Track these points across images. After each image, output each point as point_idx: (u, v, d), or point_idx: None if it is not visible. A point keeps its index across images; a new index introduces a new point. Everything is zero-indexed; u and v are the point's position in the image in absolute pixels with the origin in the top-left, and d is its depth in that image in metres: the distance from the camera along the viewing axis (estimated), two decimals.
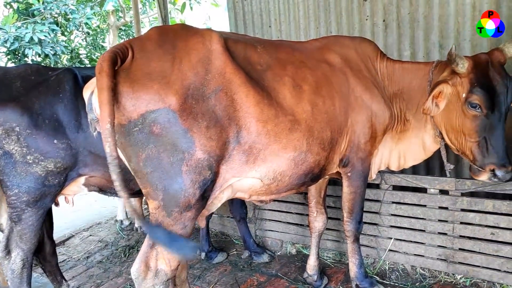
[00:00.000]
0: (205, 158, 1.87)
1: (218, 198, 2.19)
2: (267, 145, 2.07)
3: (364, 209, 2.87)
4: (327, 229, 3.48)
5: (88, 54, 11.71)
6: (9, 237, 2.61)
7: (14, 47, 8.95)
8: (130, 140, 1.83)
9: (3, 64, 9.39)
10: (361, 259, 2.90)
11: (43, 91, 2.40)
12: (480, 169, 2.29)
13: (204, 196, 1.96)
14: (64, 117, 2.40)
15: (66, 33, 10.90)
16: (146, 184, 1.88)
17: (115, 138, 1.71)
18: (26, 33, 8.95)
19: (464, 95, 2.26)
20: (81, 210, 5.72)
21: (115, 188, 1.73)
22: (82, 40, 11.84)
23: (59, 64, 10.03)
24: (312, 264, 3.19)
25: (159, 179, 1.84)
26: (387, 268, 3.34)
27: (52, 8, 9.70)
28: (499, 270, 2.87)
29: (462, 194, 2.98)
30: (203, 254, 3.78)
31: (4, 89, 2.33)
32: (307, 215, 3.20)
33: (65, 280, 3.18)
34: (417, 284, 3.09)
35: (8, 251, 2.59)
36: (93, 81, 1.94)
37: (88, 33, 11.66)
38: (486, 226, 2.90)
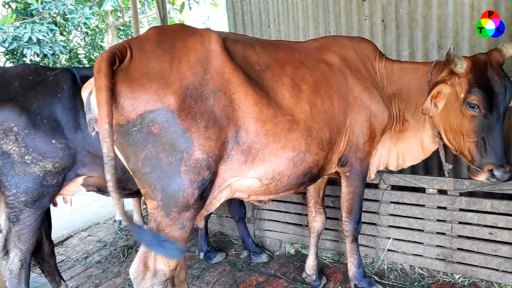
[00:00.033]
0: (204, 158, 1.87)
1: (217, 198, 2.19)
2: (265, 145, 2.07)
3: (363, 209, 2.87)
4: (326, 229, 3.48)
5: (87, 54, 11.69)
6: (7, 238, 2.60)
7: (13, 47, 8.93)
8: (128, 140, 1.82)
9: (1, 64, 9.38)
10: (359, 259, 2.90)
11: (41, 91, 2.39)
12: (478, 169, 2.29)
13: (203, 196, 1.96)
14: (62, 117, 2.40)
15: (64, 33, 10.89)
16: (145, 184, 1.88)
17: (113, 139, 1.71)
18: (25, 33, 8.93)
19: (462, 95, 2.26)
20: (79, 210, 5.71)
21: (108, 189, 1.74)
22: (81, 40, 11.83)
23: (57, 64, 10.02)
24: (310, 264, 3.19)
25: (157, 179, 1.84)
26: (385, 268, 3.34)
27: (50, 8, 9.69)
28: (497, 270, 2.88)
29: (461, 194, 2.98)
30: (201, 254, 3.78)
31: (2, 89, 2.33)
32: (306, 215, 3.20)
33: (64, 280, 3.18)
34: (415, 283, 3.10)
35: (6, 251, 2.58)
36: (91, 81, 1.94)
37: (87, 33, 11.65)
38: (485, 226, 2.91)
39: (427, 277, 3.17)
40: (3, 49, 9.15)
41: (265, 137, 2.05)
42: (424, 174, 3.61)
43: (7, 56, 9.35)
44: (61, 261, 4.05)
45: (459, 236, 3.02)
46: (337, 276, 3.32)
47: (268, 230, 4.01)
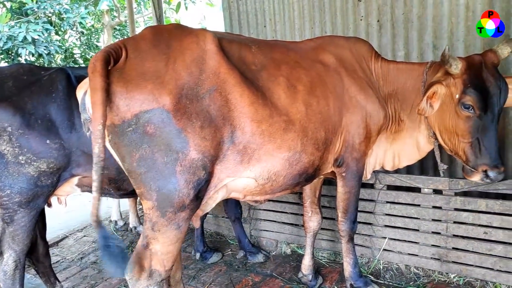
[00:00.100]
0: (199, 158, 1.87)
1: (213, 198, 2.19)
2: (261, 145, 2.07)
3: (359, 209, 2.88)
4: (322, 228, 3.49)
5: (83, 54, 11.65)
6: (1, 238, 2.57)
7: (7, 46, 8.87)
8: (123, 140, 1.82)
9: None
10: (355, 258, 2.91)
11: (36, 91, 2.38)
12: (472, 169, 2.30)
13: (199, 196, 1.95)
14: (57, 117, 2.38)
15: (60, 32, 10.83)
16: (140, 184, 1.88)
17: (105, 140, 1.71)
18: (20, 32, 8.88)
19: (457, 96, 2.27)
20: (75, 211, 5.69)
21: (92, 188, 1.74)
22: (76, 39, 11.77)
23: (53, 64, 9.97)
24: (307, 264, 3.20)
25: (153, 179, 1.83)
26: (381, 268, 3.35)
27: (45, 7, 9.64)
28: (492, 269, 2.90)
29: (456, 194, 3.00)
30: (198, 255, 3.78)
31: None
32: (302, 215, 3.21)
33: (59, 281, 3.16)
34: (411, 283, 3.11)
35: (0, 252, 2.56)
36: (86, 81, 1.93)
37: (83, 33, 11.60)
38: (479, 225, 2.93)
39: (423, 276, 3.18)
40: None
41: (260, 137, 2.05)
42: (420, 174, 3.63)
43: (2, 56, 9.30)
44: (57, 262, 4.03)
45: (454, 235, 3.03)
46: (333, 276, 3.32)
47: (264, 230, 4.01)
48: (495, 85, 2.21)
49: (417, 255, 3.20)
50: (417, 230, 3.17)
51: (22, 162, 2.28)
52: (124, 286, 3.38)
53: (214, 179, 2.03)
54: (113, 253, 1.77)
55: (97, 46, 11.84)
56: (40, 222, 2.87)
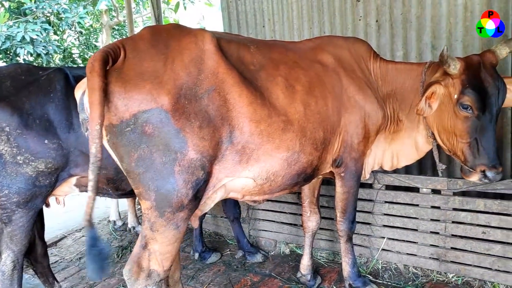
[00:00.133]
0: (198, 158, 1.87)
1: (211, 198, 2.19)
2: (260, 145, 2.07)
3: (357, 209, 2.88)
4: (321, 228, 3.49)
5: (81, 54, 11.63)
6: None
7: (6, 46, 8.85)
8: (122, 140, 1.81)
9: None
10: (354, 258, 2.91)
11: (34, 91, 2.37)
12: (471, 170, 2.30)
13: (197, 196, 1.95)
14: (55, 117, 2.38)
15: (58, 32, 10.81)
16: (139, 185, 1.87)
17: (102, 139, 1.71)
18: (18, 32, 8.86)
19: (455, 96, 2.27)
20: (73, 211, 5.67)
21: (88, 187, 1.75)
22: (75, 39, 11.75)
23: (51, 64, 9.95)
24: (305, 264, 3.20)
25: (151, 179, 1.83)
26: (380, 267, 3.35)
27: (44, 7, 9.62)
28: (490, 269, 2.90)
29: (454, 194, 3.00)
30: (196, 255, 3.78)
31: None
32: (301, 215, 3.21)
33: (57, 281, 3.15)
34: (409, 283, 3.11)
35: None
36: (85, 81, 1.92)
37: (81, 33, 11.58)
38: (478, 225, 2.93)
39: (421, 276, 3.19)
40: None
41: (259, 137, 2.05)
42: (418, 174, 3.63)
43: (0, 56, 9.27)
44: (55, 262, 4.02)
45: (453, 235, 3.04)
46: (332, 276, 3.33)
47: (263, 230, 4.01)
48: (494, 86, 2.21)
49: (415, 255, 3.20)
50: (416, 230, 3.17)
51: (20, 162, 2.27)
52: (123, 286, 3.38)
53: (212, 179, 2.03)
54: (97, 256, 1.77)
55: (95, 46, 11.82)
56: (38, 222, 2.87)
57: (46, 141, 2.33)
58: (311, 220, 3.13)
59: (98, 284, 3.49)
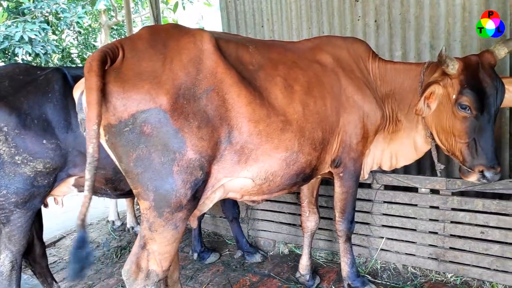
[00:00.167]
0: (197, 158, 1.86)
1: (210, 198, 2.19)
2: (258, 145, 2.07)
3: (356, 209, 2.88)
4: (320, 228, 3.49)
5: (80, 54, 11.62)
6: None
7: (4, 46, 8.84)
8: (120, 140, 1.81)
9: None
10: (353, 258, 2.91)
11: (32, 91, 2.37)
12: (469, 170, 2.31)
13: (196, 196, 1.95)
14: (53, 117, 2.37)
15: (57, 32, 10.80)
16: (137, 185, 1.87)
17: (99, 139, 1.70)
18: (16, 32, 8.85)
19: (454, 96, 2.27)
20: (72, 211, 5.63)
21: (85, 187, 1.75)
22: (74, 39, 11.74)
23: (50, 64, 9.93)
24: (304, 264, 3.20)
25: (150, 179, 1.83)
26: (379, 267, 3.36)
27: (42, 6, 9.60)
28: (488, 269, 2.91)
29: (453, 194, 3.01)
30: (195, 255, 3.77)
31: None
32: (300, 215, 3.21)
33: (56, 281, 3.15)
34: (408, 283, 3.12)
35: None
36: (83, 81, 1.91)
37: (80, 32, 11.57)
38: (476, 225, 2.94)
39: (420, 276, 3.19)
40: None
41: (258, 137, 2.05)
42: (417, 174, 3.64)
43: None
44: (54, 262, 4.01)
45: (451, 235, 3.04)
46: (331, 276, 3.33)
47: (262, 230, 4.01)
48: (492, 86, 2.22)
49: (414, 255, 3.20)
50: (415, 230, 3.18)
51: (18, 162, 2.27)
52: (122, 286, 3.38)
53: (211, 179, 2.03)
54: (81, 259, 1.75)
55: (94, 45, 11.81)
56: (36, 222, 2.86)
57: (44, 141, 2.33)
58: (310, 220, 3.13)
59: (97, 284, 3.49)
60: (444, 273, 3.12)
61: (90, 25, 12.13)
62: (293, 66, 2.32)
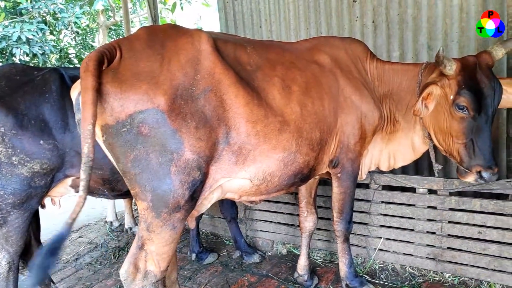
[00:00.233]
0: (194, 159, 1.86)
1: (208, 199, 2.19)
2: (256, 146, 2.07)
3: (354, 209, 2.89)
4: (318, 229, 3.49)
5: (77, 54, 11.60)
6: None
7: (1, 46, 8.82)
8: (118, 141, 1.81)
9: None
10: (351, 258, 2.92)
11: (29, 91, 2.36)
12: (466, 170, 2.31)
13: (194, 197, 1.95)
14: (50, 118, 2.37)
15: (54, 32, 10.78)
16: (135, 185, 1.87)
17: (94, 139, 1.70)
18: (14, 32, 8.83)
19: (451, 97, 2.28)
20: (69, 212, 5.65)
21: (80, 187, 1.74)
22: (71, 39, 11.72)
23: (47, 64, 9.91)
24: (302, 264, 3.20)
25: (147, 180, 1.82)
26: (377, 267, 3.36)
27: (40, 7, 9.58)
28: (486, 268, 2.92)
29: (450, 194, 3.01)
30: (193, 255, 3.77)
31: None
32: (298, 215, 3.21)
33: (53, 282, 3.14)
34: (406, 283, 3.12)
35: None
36: None
37: (77, 33, 11.55)
38: (474, 225, 2.94)
39: (418, 276, 3.20)
40: None
41: (256, 137, 2.05)
42: (415, 174, 3.64)
43: None
44: None
45: (449, 235, 3.05)
46: (329, 276, 3.33)
47: (260, 231, 4.01)
48: (489, 87, 2.22)
49: (412, 255, 3.21)
50: (412, 230, 3.18)
51: (15, 163, 2.26)
52: (120, 287, 3.37)
53: (209, 179, 2.03)
54: (49, 258, 1.71)
55: (92, 46, 11.80)
56: (34, 223, 2.86)
57: (41, 142, 2.32)
58: (308, 221, 3.13)
59: (95, 285, 3.48)
60: (442, 273, 3.12)
61: (88, 25, 12.11)
62: (291, 66, 2.32)
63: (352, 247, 3.11)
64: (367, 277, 3.23)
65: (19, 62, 8.89)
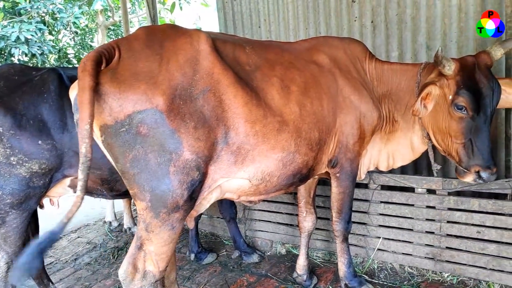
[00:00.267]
0: (193, 159, 1.86)
1: (207, 199, 2.19)
2: (255, 146, 2.07)
3: (353, 209, 2.89)
4: (317, 228, 3.49)
5: (76, 54, 11.58)
6: None
7: (0, 46, 8.79)
8: (117, 141, 1.80)
9: None
10: (350, 258, 2.92)
11: (27, 91, 2.36)
12: (465, 170, 2.32)
13: (192, 197, 1.95)
14: (48, 118, 2.37)
15: (53, 32, 10.77)
16: (134, 185, 1.87)
17: (92, 139, 1.69)
18: (12, 32, 8.81)
19: (450, 97, 2.28)
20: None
21: (77, 187, 1.73)
22: (70, 39, 11.71)
23: (46, 64, 9.90)
24: (301, 264, 3.20)
25: (146, 180, 1.82)
26: (376, 267, 3.36)
27: (39, 7, 9.57)
28: (485, 268, 2.92)
29: (449, 194, 3.02)
30: (192, 255, 3.77)
31: None
32: (297, 215, 3.21)
33: (52, 283, 3.13)
34: (405, 282, 3.12)
35: None
36: None
37: (76, 33, 11.54)
38: (472, 224, 2.95)
39: (417, 275, 3.20)
40: None
41: (254, 137, 2.05)
42: (413, 174, 3.65)
43: None
44: (50, 263, 4.00)
45: (448, 235, 3.05)
46: (328, 276, 3.33)
47: (259, 231, 4.01)
48: (488, 86, 2.22)
49: (411, 255, 3.21)
50: (411, 229, 3.18)
51: (14, 163, 2.26)
52: (119, 287, 3.36)
53: (208, 179, 2.02)
54: (36, 258, 1.67)
55: (91, 46, 11.78)
56: (32, 223, 2.84)
57: (40, 142, 2.32)
58: (307, 220, 3.13)
59: (94, 285, 3.48)
60: (440, 272, 3.13)
61: (87, 26, 12.09)
62: (290, 66, 2.33)
63: (351, 247, 3.12)
64: (366, 276, 3.23)
65: (17, 62, 8.89)
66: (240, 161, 2.07)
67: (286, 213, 3.81)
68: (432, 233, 3.11)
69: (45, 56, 9.79)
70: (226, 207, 3.73)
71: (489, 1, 3.39)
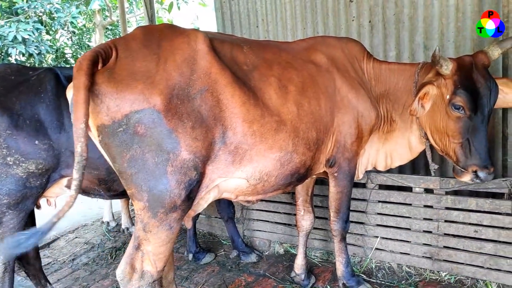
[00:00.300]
0: (191, 159, 1.86)
1: (204, 199, 2.18)
2: (253, 146, 2.07)
3: (351, 208, 2.89)
4: (315, 228, 3.49)
5: (74, 54, 11.55)
6: None
7: None
8: (114, 141, 1.80)
9: None
10: (348, 258, 2.92)
11: (24, 91, 2.35)
12: (463, 170, 2.32)
13: (190, 196, 1.94)
14: (45, 118, 2.36)
15: (51, 32, 10.73)
16: (131, 185, 1.86)
17: (87, 139, 1.69)
18: (10, 32, 8.77)
19: (448, 96, 2.28)
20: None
21: (72, 186, 1.72)
22: (68, 39, 11.67)
23: (44, 64, 9.86)
24: (299, 264, 3.20)
25: (144, 180, 1.82)
26: (373, 267, 3.37)
27: (36, 6, 9.53)
28: (482, 267, 2.93)
29: (446, 193, 3.02)
30: (190, 255, 3.76)
31: None
32: (295, 214, 3.21)
33: (49, 283, 3.12)
34: (403, 282, 3.13)
35: None
36: None
37: (74, 32, 11.50)
38: (470, 224, 2.96)
39: (414, 275, 3.21)
40: None
41: (252, 137, 2.05)
42: (411, 173, 3.65)
43: None
44: (48, 264, 3.99)
45: (445, 234, 3.06)
46: (326, 275, 3.33)
47: (257, 230, 4.01)
48: (486, 86, 2.23)
49: (408, 254, 3.22)
50: (409, 229, 3.19)
51: (10, 163, 2.25)
52: (116, 287, 3.36)
53: (205, 179, 2.02)
54: (15, 243, 1.69)
55: (88, 45, 11.74)
56: (29, 224, 2.83)
57: (36, 142, 2.31)
58: (305, 220, 3.13)
59: (92, 285, 3.47)
60: (438, 271, 3.14)
61: (84, 25, 12.06)
62: (287, 66, 2.32)
63: (349, 246, 3.12)
64: (364, 276, 3.23)
65: (14, 62, 8.86)
66: (238, 161, 2.07)
67: (284, 213, 3.81)
68: (430, 232, 3.11)
69: (43, 56, 9.76)
70: (224, 207, 3.73)
71: (487, 1, 3.39)
